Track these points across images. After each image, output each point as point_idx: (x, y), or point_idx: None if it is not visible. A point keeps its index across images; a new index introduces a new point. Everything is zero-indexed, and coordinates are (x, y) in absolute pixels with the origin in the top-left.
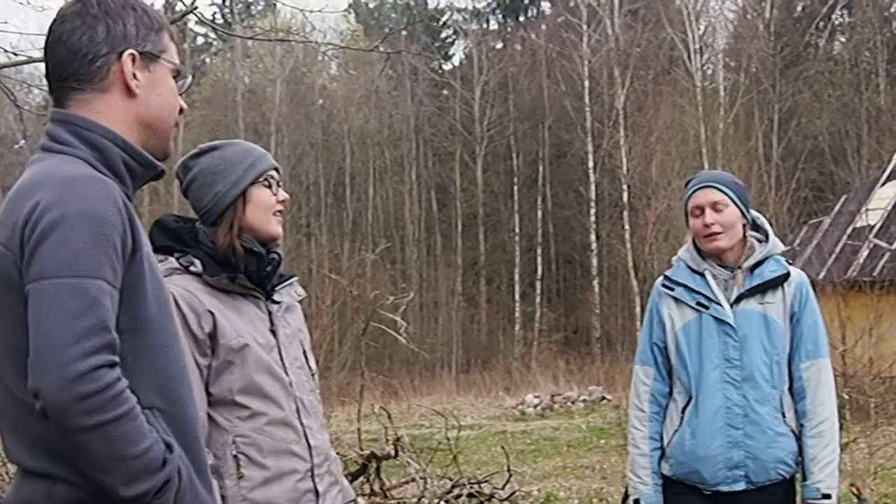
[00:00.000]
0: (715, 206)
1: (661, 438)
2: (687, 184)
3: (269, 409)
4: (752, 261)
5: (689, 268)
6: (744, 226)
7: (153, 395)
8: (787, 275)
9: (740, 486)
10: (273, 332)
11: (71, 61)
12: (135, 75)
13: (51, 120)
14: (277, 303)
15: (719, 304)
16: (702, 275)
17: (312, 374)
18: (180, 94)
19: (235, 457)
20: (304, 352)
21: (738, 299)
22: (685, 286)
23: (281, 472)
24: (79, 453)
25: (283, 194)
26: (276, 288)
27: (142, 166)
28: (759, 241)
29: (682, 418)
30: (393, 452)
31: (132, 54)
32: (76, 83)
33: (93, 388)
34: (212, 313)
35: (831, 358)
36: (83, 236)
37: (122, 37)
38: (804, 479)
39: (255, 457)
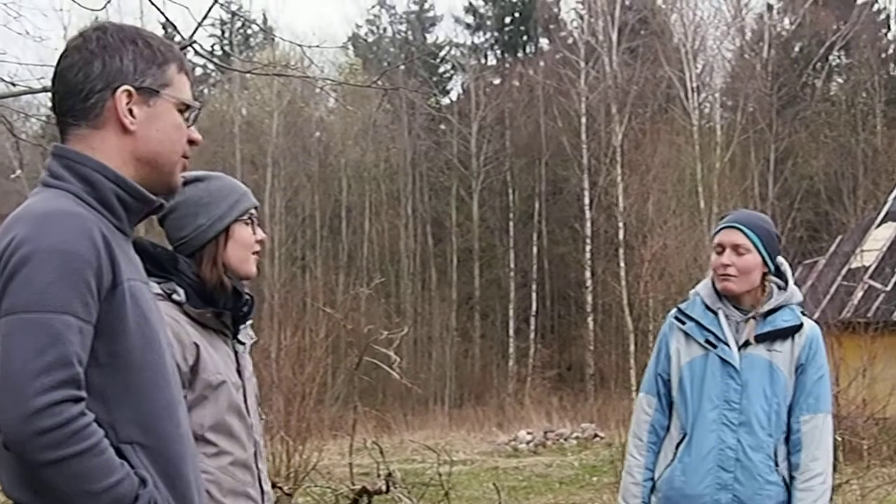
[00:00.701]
0: (736, 249)
1: (654, 470)
2: (721, 218)
3: (235, 449)
4: (766, 307)
5: (705, 304)
6: (764, 273)
7: (133, 429)
8: (800, 326)
9: None
10: (239, 372)
11: (68, 97)
12: (131, 111)
13: (50, 154)
14: (242, 343)
15: (727, 345)
16: (715, 313)
17: (261, 419)
18: (189, 126)
19: None
20: (256, 396)
21: (747, 343)
22: (697, 322)
23: None
24: (46, 488)
25: (261, 233)
26: (241, 328)
27: (136, 200)
28: (779, 287)
29: (675, 454)
30: (384, 487)
31: (127, 90)
32: (73, 119)
33: (52, 423)
34: (196, 346)
35: None
36: (52, 271)
37: (118, 72)
38: None
39: (215, 495)
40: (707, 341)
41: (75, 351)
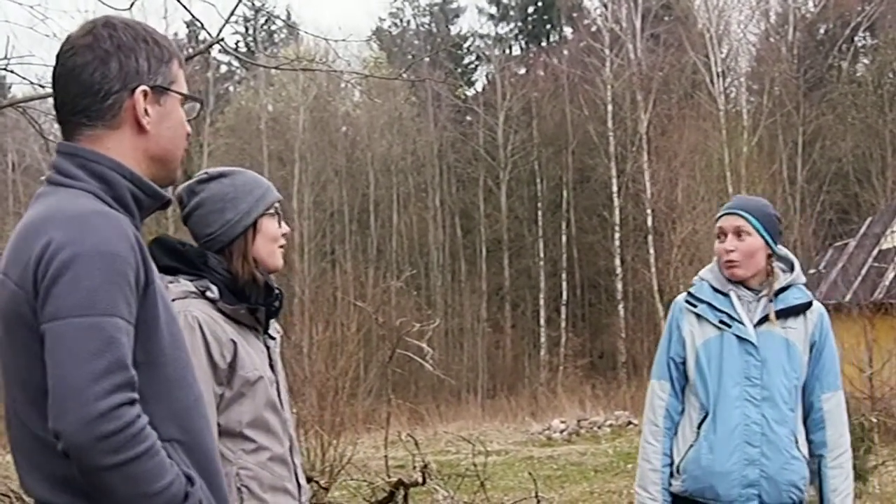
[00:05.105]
0: (738, 233)
1: (672, 455)
2: (721, 206)
3: (273, 444)
4: (777, 285)
5: (713, 288)
6: (768, 255)
7: (171, 427)
8: (810, 303)
9: None
10: (272, 367)
11: (82, 97)
12: (146, 111)
13: (57, 152)
14: (273, 338)
15: (742, 323)
16: (726, 295)
17: (293, 413)
18: (189, 121)
19: (239, 489)
20: (286, 389)
21: (762, 321)
22: (709, 304)
23: None
24: (102, 492)
25: (286, 227)
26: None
27: (149, 197)
28: (784, 270)
29: (697, 433)
30: (420, 479)
31: (144, 91)
32: (87, 119)
33: (113, 428)
34: (234, 343)
35: (859, 381)
36: (97, 274)
37: (135, 72)
38: None
39: (255, 490)
40: (721, 321)
41: (127, 353)
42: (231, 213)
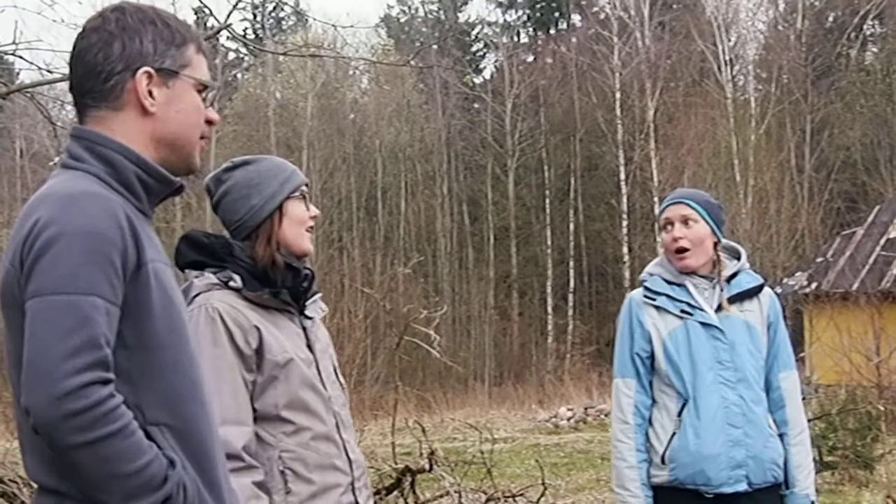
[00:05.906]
0: (685, 221)
1: (647, 449)
2: (662, 199)
3: (313, 423)
4: (728, 272)
5: (666, 280)
6: (715, 244)
7: (161, 411)
8: (762, 286)
9: (742, 487)
10: (310, 347)
11: (87, 79)
12: (151, 93)
13: (70, 136)
14: (310, 318)
15: (703, 310)
16: (681, 285)
17: (343, 388)
18: (208, 107)
19: (283, 472)
20: (334, 366)
21: (720, 307)
22: (667, 295)
23: (326, 486)
24: (74, 471)
25: (314, 209)
26: (307, 303)
27: (157, 182)
28: (730, 259)
29: (679, 422)
30: (427, 466)
31: (147, 72)
32: (92, 101)
33: (81, 406)
34: (258, 329)
35: (867, 369)
36: (79, 253)
37: (138, 54)
38: (788, 486)
39: (301, 472)
40: (682, 311)
41: (103, 332)
42: (256, 198)
